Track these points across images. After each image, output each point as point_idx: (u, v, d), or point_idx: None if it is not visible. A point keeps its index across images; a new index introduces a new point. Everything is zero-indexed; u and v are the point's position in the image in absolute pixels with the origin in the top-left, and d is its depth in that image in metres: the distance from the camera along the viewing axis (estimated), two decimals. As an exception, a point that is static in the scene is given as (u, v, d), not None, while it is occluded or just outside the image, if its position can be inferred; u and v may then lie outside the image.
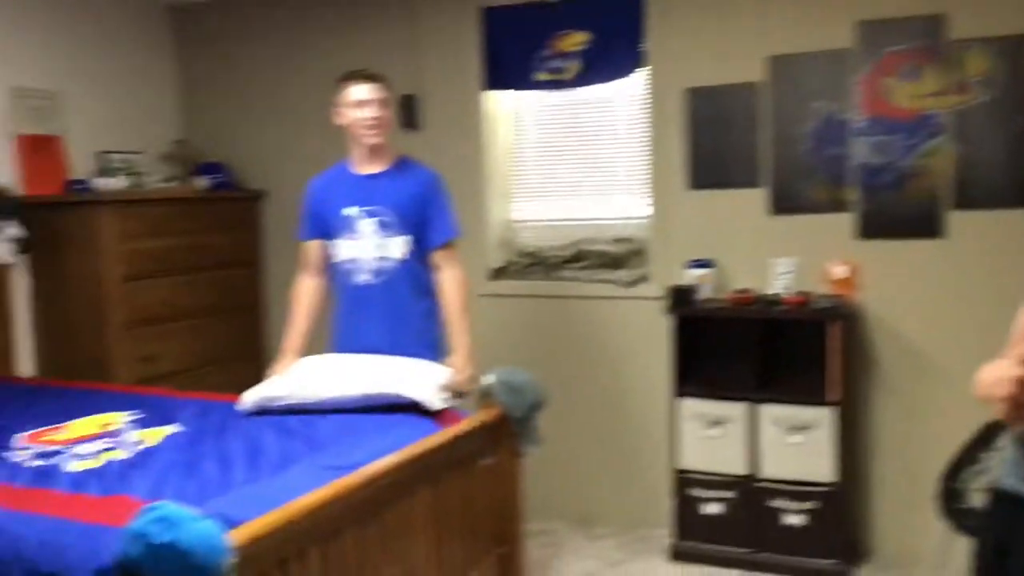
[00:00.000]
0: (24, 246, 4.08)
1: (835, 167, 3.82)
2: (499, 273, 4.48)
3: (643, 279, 4.21)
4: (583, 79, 4.24)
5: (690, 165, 4.07)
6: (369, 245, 3.36)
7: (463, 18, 4.39)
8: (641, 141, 4.23)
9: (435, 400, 3.10)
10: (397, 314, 3.38)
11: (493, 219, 4.50)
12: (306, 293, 3.53)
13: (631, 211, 4.35)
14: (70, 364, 4.14)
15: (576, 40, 4.23)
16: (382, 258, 3.36)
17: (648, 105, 4.14)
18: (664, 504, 4.08)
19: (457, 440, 2.94)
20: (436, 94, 4.49)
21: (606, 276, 4.28)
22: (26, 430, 3.04)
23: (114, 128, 4.64)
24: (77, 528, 2.16)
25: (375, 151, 3.40)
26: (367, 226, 3.36)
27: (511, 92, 4.48)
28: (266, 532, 2.09)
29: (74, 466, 2.61)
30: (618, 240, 4.33)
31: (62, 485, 2.46)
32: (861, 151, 3.77)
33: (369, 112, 3.33)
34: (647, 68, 4.11)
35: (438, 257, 3.41)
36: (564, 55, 4.25)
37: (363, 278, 3.37)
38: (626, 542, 4.13)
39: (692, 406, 3.85)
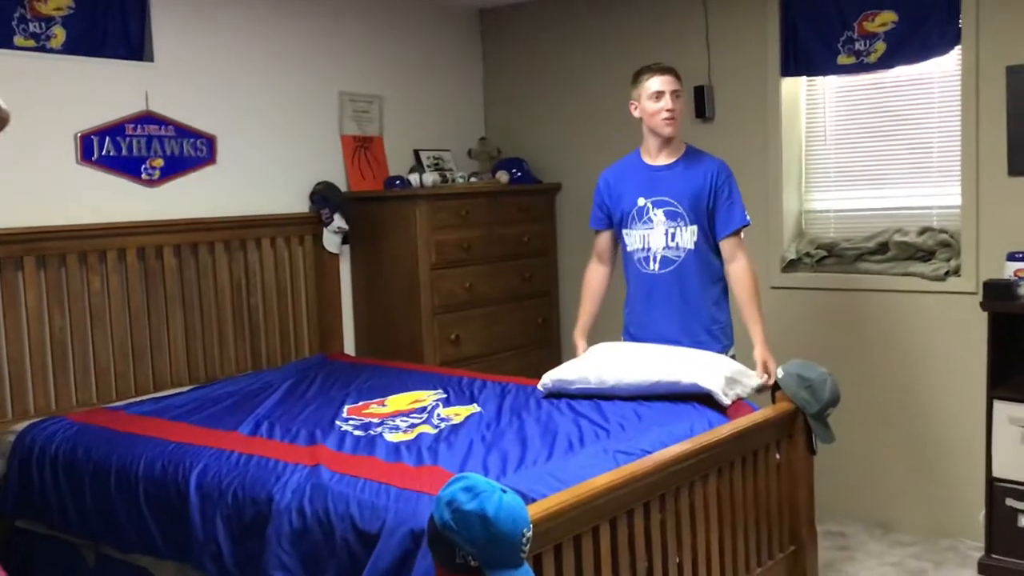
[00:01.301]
0: (347, 237, 4.51)
1: None
2: (793, 265, 4.36)
3: (954, 272, 3.93)
4: (889, 61, 4.02)
5: (1012, 150, 3.74)
6: (659, 235, 3.42)
7: (762, 4, 4.31)
8: (953, 125, 3.94)
9: (727, 393, 3.09)
10: (687, 303, 3.42)
11: (787, 209, 4.38)
12: (595, 280, 3.67)
13: (941, 200, 4.07)
14: (385, 344, 4.53)
15: (883, 19, 4.02)
16: (672, 247, 3.40)
17: (963, 86, 3.85)
18: (975, 514, 3.80)
19: (746, 433, 2.92)
20: (729, 83, 4.44)
21: (912, 269, 4.03)
22: (351, 403, 3.38)
23: (426, 127, 5.01)
24: (394, 492, 2.39)
25: (667, 142, 3.44)
26: (658, 216, 3.42)
27: (809, 78, 4.34)
28: (561, 508, 2.21)
29: (391, 437, 2.88)
30: (925, 231, 4.06)
31: (381, 454, 2.72)
32: None
33: (665, 103, 3.38)
34: (962, 46, 3.82)
35: (727, 246, 3.40)
36: (869, 36, 4.05)
37: (654, 267, 3.44)
38: (929, 551, 3.89)
39: (1009, 410, 3.54)
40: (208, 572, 2.63)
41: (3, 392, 3.40)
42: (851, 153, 4.31)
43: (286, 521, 2.47)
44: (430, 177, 4.63)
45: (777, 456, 3.12)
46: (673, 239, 3.41)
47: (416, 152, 4.90)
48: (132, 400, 3.61)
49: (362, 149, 4.72)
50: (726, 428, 2.89)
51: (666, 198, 3.41)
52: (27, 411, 3.44)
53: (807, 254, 4.32)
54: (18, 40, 3.49)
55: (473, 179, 4.90)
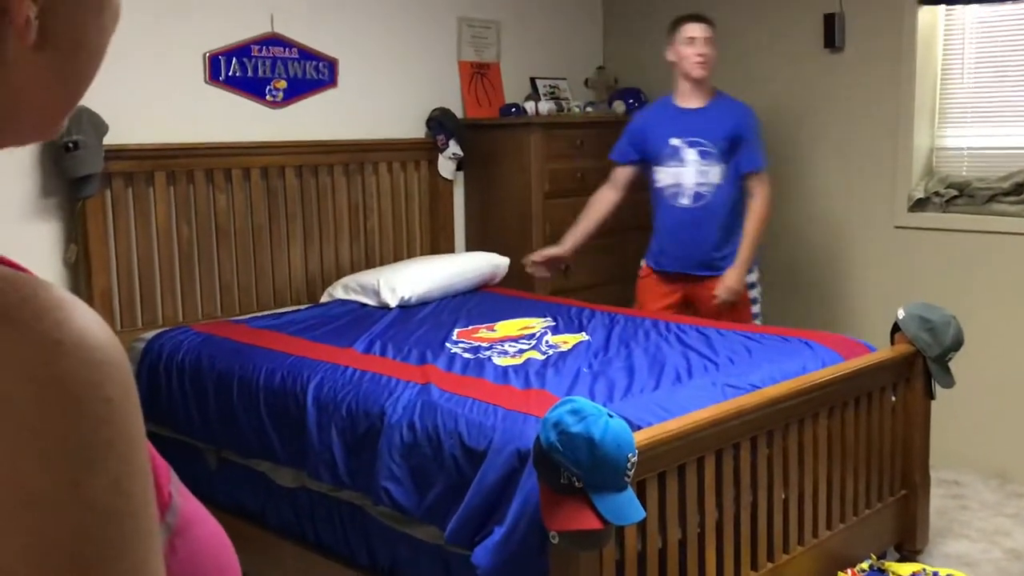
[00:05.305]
0: (461, 163, 4.54)
1: None
2: (920, 204, 4.19)
3: (1096, 217, 3.71)
4: (1039, -11, 3.77)
5: None
6: (692, 172, 3.74)
7: (899, -73, 4.08)
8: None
9: None
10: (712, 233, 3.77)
11: (918, 146, 4.19)
12: (602, 201, 4.03)
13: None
14: (496, 272, 4.56)
15: (1033, -55, 3.76)
16: (704, 184, 3.74)
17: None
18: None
19: (860, 373, 2.86)
20: (863, 11, 4.24)
21: (1049, 212, 3.83)
22: (462, 326, 3.44)
23: (543, 55, 4.96)
24: (502, 413, 2.43)
25: (698, 85, 3.75)
26: (691, 155, 3.70)
27: (948, 6, 4.10)
28: (667, 437, 2.21)
29: (500, 361, 2.92)
30: (1067, 172, 3.84)
31: (490, 376, 2.77)
32: None
33: (698, 48, 3.71)
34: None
35: (750, 183, 3.75)
36: (1017, -37, 3.80)
37: (685, 202, 3.77)
38: (1049, 506, 3.75)
39: None
40: (323, 480, 2.74)
41: (134, 302, 3.58)
42: (990, 88, 4.08)
43: (397, 435, 2.55)
44: (546, 106, 4.59)
45: (893, 399, 3.04)
46: (705, 176, 3.70)
47: (532, 80, 4.86)
48: (254, 315, 3.75)
49: (479, 75, 4.71)
50: (839, 368, 2.83)
51: (698, 139, 3.71)
52: (155, 320, 3.61)
53: (936, 193, 4.14)
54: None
55: (589, 109, 4.84)
